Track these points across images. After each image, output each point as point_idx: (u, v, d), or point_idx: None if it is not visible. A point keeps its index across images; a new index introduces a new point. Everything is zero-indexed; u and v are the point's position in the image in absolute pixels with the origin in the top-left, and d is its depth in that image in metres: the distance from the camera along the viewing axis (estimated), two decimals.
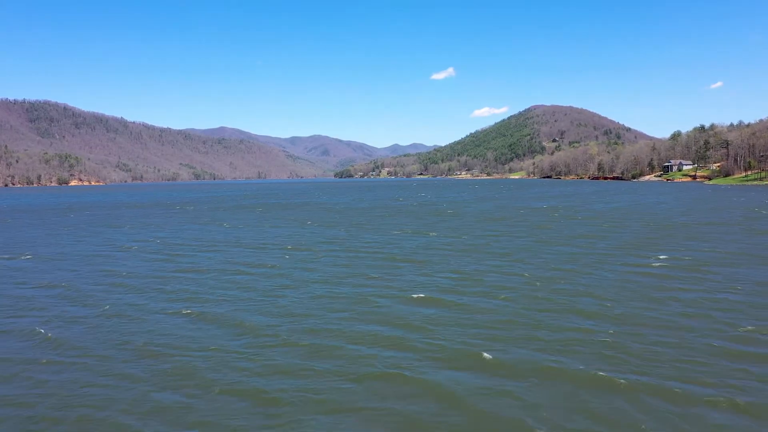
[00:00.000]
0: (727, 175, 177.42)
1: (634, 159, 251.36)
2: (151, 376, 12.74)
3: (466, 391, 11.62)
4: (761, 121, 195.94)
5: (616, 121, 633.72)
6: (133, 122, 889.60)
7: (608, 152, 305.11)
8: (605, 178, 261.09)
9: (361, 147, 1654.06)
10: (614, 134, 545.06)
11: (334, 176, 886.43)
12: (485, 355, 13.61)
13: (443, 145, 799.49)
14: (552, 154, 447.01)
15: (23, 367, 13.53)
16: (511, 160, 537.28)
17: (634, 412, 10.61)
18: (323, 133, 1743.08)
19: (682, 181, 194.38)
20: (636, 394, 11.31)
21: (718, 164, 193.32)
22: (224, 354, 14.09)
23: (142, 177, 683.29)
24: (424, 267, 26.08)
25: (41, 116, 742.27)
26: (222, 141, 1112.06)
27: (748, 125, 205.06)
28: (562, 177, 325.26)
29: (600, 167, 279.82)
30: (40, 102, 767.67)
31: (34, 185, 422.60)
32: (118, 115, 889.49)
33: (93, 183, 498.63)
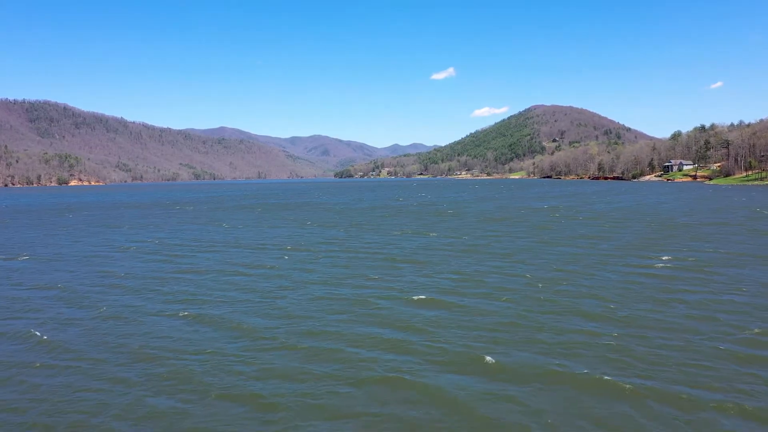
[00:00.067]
0: (727, 175, 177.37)
1: (635, 159, 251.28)
2: (146, 380, 12.50)
3: (468, 396, 11.37)
4: (762, 120, 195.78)
5: (616, 121, 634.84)
6: (133, 122, 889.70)
7: (608, 152, 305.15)
8: (605, 178, 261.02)
9: (361, 147, 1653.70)
10: (614, 134, 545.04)
11: (334, 176, 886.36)
12: (487, 358, 13.37)
13: (443, 145, 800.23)
14: (552, 154, 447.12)
15: (16, 370, 13.29)
16: (511, 160, 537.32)
17: (639, 417, 10.36)
18: (323, 133, 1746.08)
19: (683, 181, 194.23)
20: (641, 399, 11.06)
21: (719, 164, 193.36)
22: (221, 357, 13.84)
23: (141, 177, 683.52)
24: (425, 268, 25.84)
25: (41, 116, 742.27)
26: (222, 141, 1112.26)
27: (749, 125, 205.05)
28: (562, 177, 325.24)
29: (600, 167, 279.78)
30: (40, 102, 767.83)
31: (34, 185, 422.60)
32: (118, 115, 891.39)
33: (93, 183, 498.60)
